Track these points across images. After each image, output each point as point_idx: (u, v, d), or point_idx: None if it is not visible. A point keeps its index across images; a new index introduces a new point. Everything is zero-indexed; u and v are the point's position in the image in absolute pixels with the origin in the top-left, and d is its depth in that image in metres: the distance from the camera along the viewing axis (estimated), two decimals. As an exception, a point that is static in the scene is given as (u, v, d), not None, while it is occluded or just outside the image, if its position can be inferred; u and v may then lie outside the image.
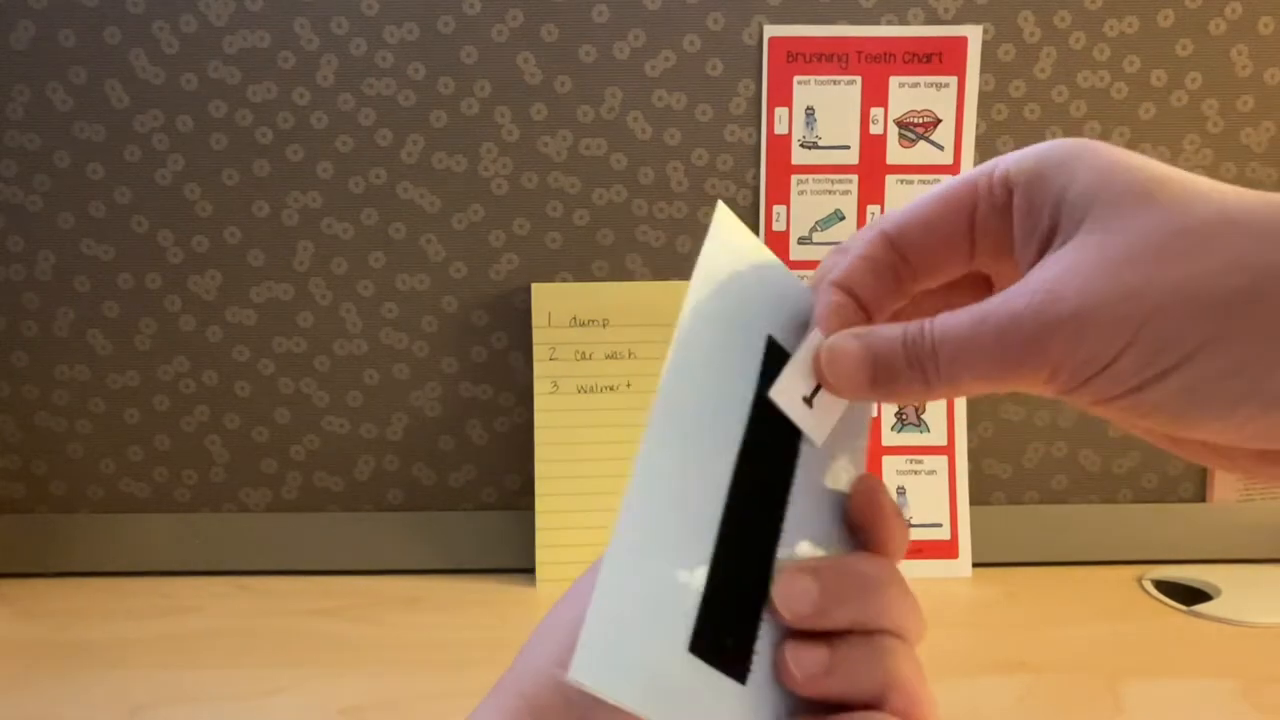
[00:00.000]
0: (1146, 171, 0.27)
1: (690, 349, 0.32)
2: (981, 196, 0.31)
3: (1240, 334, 0.25)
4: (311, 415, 0.77)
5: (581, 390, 0.74)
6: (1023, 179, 0.29)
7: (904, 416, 0.76)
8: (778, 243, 0.75)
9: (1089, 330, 0.26)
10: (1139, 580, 0.74)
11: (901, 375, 0.29)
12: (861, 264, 0.32)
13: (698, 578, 0.28)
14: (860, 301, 0.32)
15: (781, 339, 0.33)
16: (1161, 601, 0.71)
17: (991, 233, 0.31)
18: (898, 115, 0.74)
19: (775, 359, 0.32)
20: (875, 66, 0.73)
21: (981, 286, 0.33)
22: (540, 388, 0.74)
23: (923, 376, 0.29)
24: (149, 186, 0.73)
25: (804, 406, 0.31)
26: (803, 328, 0.33)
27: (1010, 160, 0.30)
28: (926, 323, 0.29)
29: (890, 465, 0.76)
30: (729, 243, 0.34)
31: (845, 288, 0.32)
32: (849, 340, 0.30)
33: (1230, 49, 0.72)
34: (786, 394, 0.31)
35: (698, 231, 0.75)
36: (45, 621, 0.70)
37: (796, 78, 0.73)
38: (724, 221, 0.33)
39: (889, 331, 0.29)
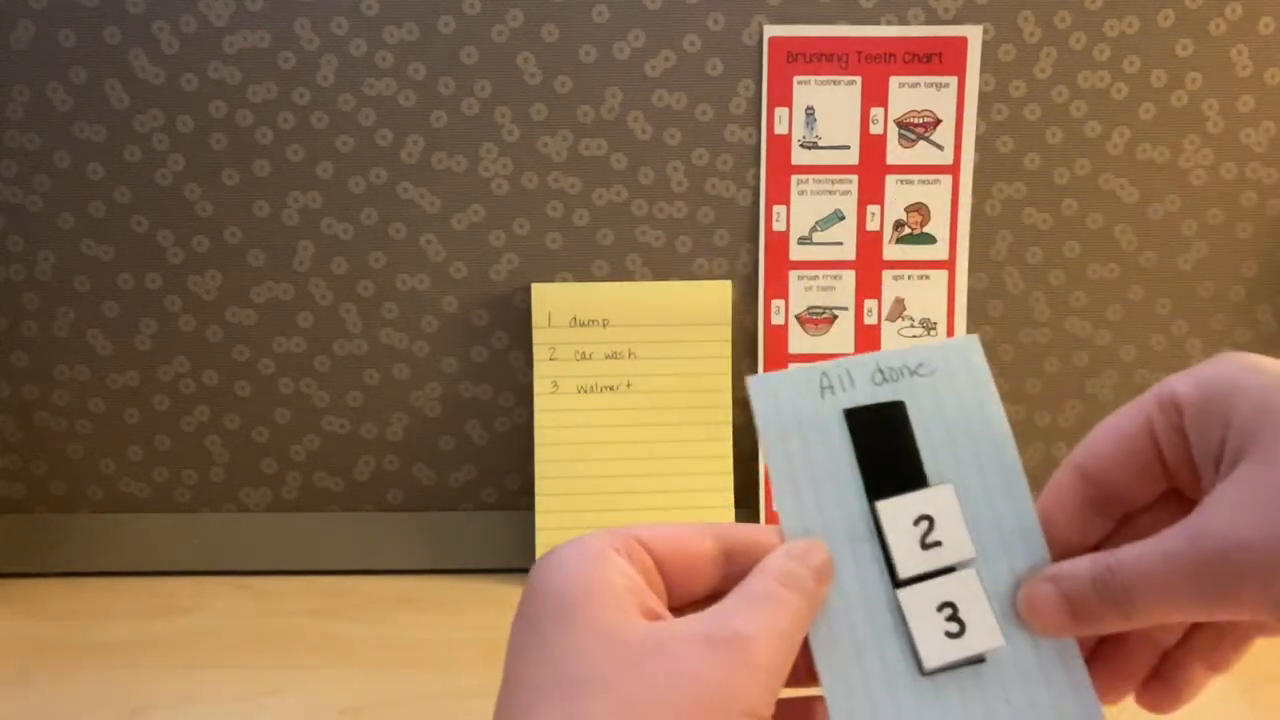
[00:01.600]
0: None
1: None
2: (1156, 419, 0.32)
3: None
4: (311, 415, 0.77)
5: (581, 390, 0.74)
6: (1189, 402, 0.31)
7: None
8: (778, 243, 0.75)
9: (1276, 571, 0.27)
10: (1139, 580, 0.74)
11: (1098, 614, 0.30)
12: (1055, 505, 0.34)
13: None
14: (1061, 534, 0.34)
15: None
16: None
17: (1176, 451, 0.32)
18: (898, 115, 0.74)
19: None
20: (875, 66, 0.73)
21: (1174, 501, 0.34)
22: (540, 388, 0.74)
23: (1120, 613, 0.30)
24: (149, 186, 0.73)
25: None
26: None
27: (1177, 381, 0.32)
28: (1113, 559, 0.30)
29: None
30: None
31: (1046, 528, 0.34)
32: (1043, 586, 0.31)
33: (1230, 49, 0.72)
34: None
35: (698, 231, 0.75)
36: (45, 621, 0.70)
37: (796, 78, 0.73)
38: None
39: (1078, 570, 0.31)
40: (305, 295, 0.75)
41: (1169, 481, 0.33)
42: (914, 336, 0.76)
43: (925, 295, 0.76)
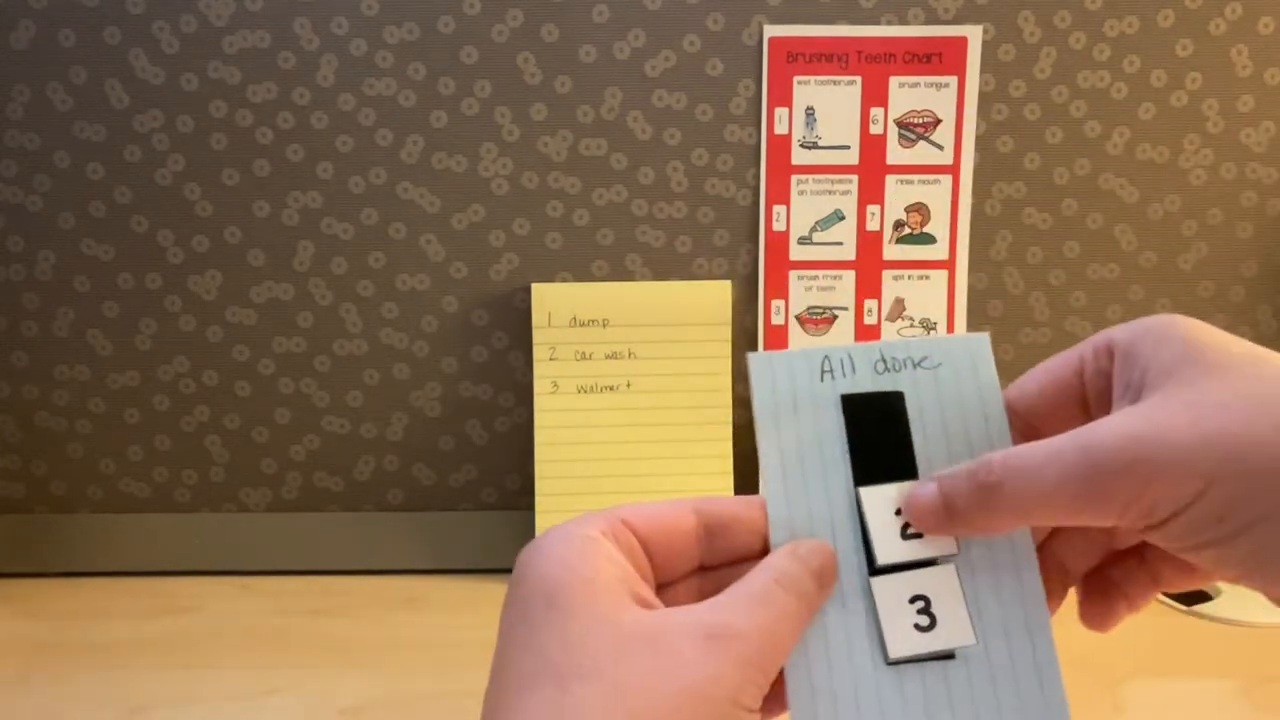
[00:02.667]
0: (1235, 344, 0.30)
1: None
2: (1087, 360, 0.33)
3: None
4: (311, 415, 0.77)
5: (581, 390, 0.74)
6: (1122, 344, 0.32)
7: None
8: (778, 243, 0.75)
9: (1160, 474, 0.27)
10: (1139, 580, 0.74)
11: (971, 511, 0.31)
12: None
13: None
14: None
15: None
16: (1161, 601, 0.71)
17: (1099, 393, 0.33)
18: (898, 115, 0.74)
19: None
20: (875, 66, 0.73)
21: None
22: (540, 388, 0.74)
23: (994, 510, 0.30)
24: (149, 186, 0.73)
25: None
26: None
27: (1116, 329, 0.32)
28: (998, 456, 0.30)
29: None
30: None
31: None
32: (926, 485, 0.32)
33: (1230, 49, 0.72)
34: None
35: (698, 231, 0.75)
36: (45, 621, 0.70)
37: (796, 78, 0.73)
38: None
39: (958, 469, 0.31)
40: (305, 295, 0.75)
41: (1086, 420, 0.33)
42: (914, 337, 0.76)
43: (925, 295, 0.76)
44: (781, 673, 0.31)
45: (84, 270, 0.74)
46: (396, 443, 0.77)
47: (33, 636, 0.68)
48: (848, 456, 0.33)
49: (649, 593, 0.31)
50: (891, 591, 0.31)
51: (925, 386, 0.34)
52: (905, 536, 0.32)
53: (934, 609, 0.31)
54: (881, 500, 0.32)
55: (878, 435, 0.33)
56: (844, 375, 0.34)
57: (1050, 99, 0.73)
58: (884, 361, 0.34)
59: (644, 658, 0.28)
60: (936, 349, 0.34)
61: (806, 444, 0.33)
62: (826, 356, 0.34)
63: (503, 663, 0.29)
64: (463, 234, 0.75)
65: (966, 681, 0.31)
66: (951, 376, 0.34)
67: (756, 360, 0.34)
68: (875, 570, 0.32)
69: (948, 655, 0.31)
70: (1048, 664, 0.32)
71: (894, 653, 0.31)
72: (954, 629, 0.31)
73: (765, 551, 0.32)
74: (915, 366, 0.34)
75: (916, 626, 0.31)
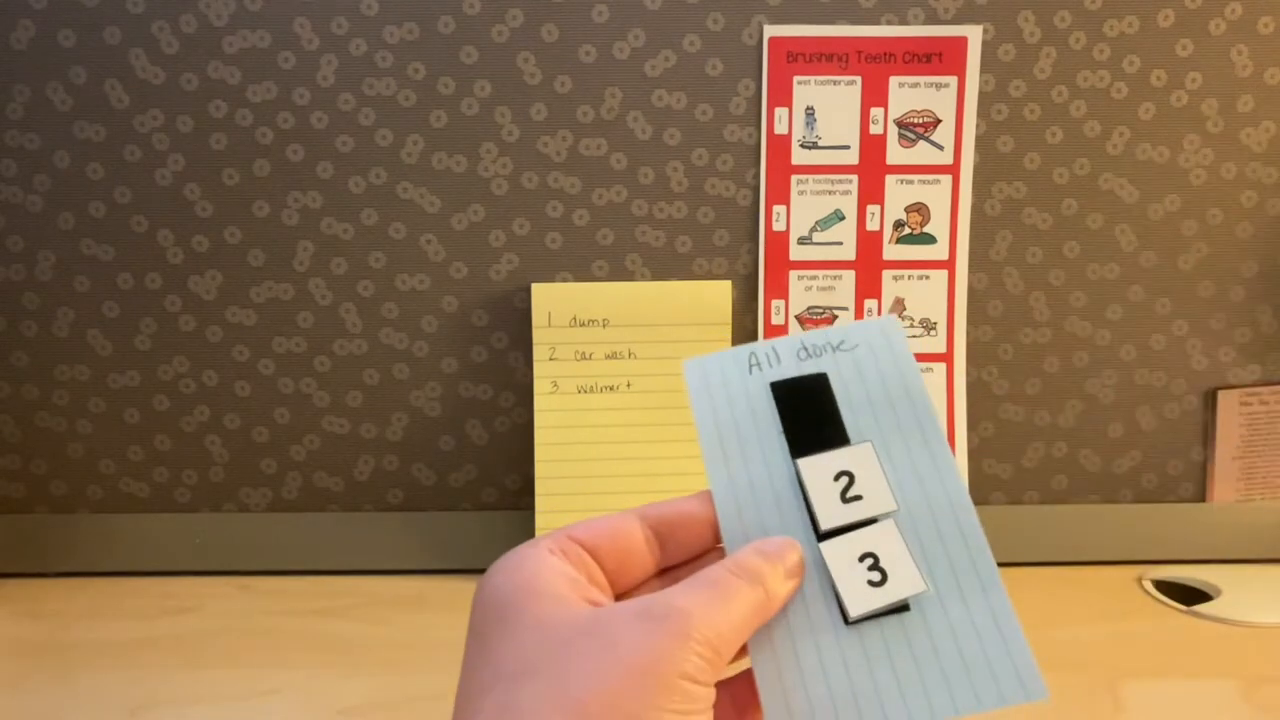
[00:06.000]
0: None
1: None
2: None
3: None
4: (311, 415, 0.77)
5: (581, 390, 0.74)
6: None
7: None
8: (778, 243, 0.75)
9: None
10: (1139, 580, 0.74)
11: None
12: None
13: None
14: None
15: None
16: (1161, 602, 0.71)
17: None
18: (898, 115, 0.74)
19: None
20: (875, 66, 0.73)
21: None
22: (540, 388, 0.74)
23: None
24: (149, 186, 0.73)
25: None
26: None
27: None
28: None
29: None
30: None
31: None
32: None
33: (1230, 49, 0.72)
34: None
35: (698, 231, 0.75)
36: (45, 621, 0.70)
37: (796, 78, 0.73)
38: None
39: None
40: (305, 295, 0.75)
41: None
42: (914, 336, 0.76)
43: (925, 295, 0.76)
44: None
45: (84, 270, 0.74)
46: (396, 443, 0.77)
47: (33, 636, 0.68)
48: (783, 436, 0.35)
49: (602, 596, 0.32)
50: (841, 553, 0.32)
51: (846, 366, 0.36)
52: (845, 500, 0.33)
53: (883, 564, 0.32)
54: (819, 469, 0.34)
55: (808, 412, 0.35)
56: (770, 366, 0.36)
57: (1050, 99, 0.73)
58: (805, 349, 0.36)
59: (584, 647, 0.28)
60: (852, 333, 0.36)
61: (744, 431, 0.35)
62: (752, 352, 0.36)
63: (464, 678, 0.30)
64: (463, 234, 0.75)
65: (926, 634, 0.32)
66: (869, 355, 0.36)
67: (690, 366, 0.37)
68: (821, 536, 0.33)
69: (904, 607, 0.32)
70: (1004, 612, 0.32)
71: (854, 611, 0.31)
72: (905, 580, 0.32)
73: (718, 540, 0.34)
74: (835, 350, 0.36)
75: (870, 583, 0.32)
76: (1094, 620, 0.68)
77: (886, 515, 0.33)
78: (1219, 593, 0.70)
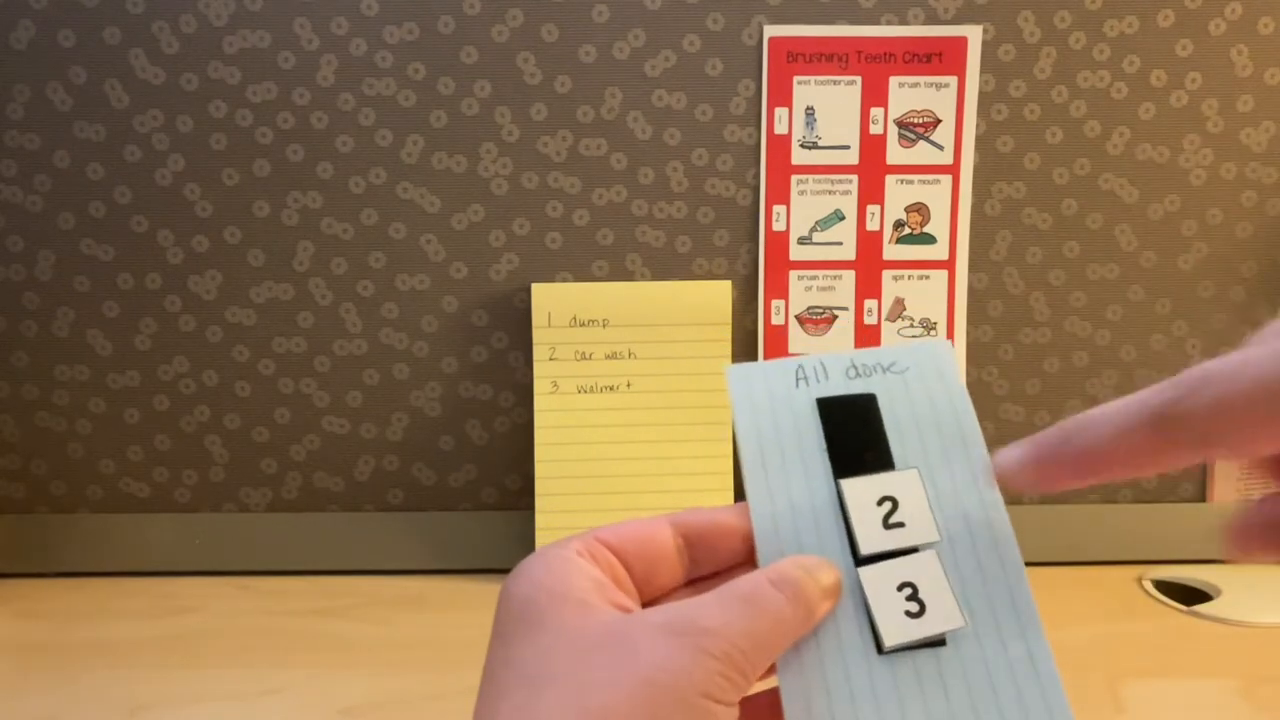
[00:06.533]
0: None
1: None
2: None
3: None
4: (311, 415, 0.77)
5: (581, 390, 0.74)
6: None
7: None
8: (778, 243, 0.75)
9: None
10: (1139, 580, 0.74)
11: (1181, 421, 0.28)
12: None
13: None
14: None
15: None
16: (1161, 601, 0.71)
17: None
18: (898, 115, 0.74)
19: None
20: (875, 66, 0.73)
21: None
22: (540, 388, 0.74)
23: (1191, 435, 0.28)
24: (149, 186, 0.73)
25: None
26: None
27: None
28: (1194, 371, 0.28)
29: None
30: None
31: None
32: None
33: (1230, 49, 0.72)
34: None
35: (698, 231, 0.75)
36: (45, 621, 0.70)
37: (796, 78, 0.73)
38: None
39: (1049, 435, 0.32)
40: (305, 295, 0.75)
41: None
42: (914, 336, 0.76)
43: (925, 295, 0.76)
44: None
45: (84, 270, 0.74)
46: (396, 443, 0.77)
47: (33, 636, 0.68)
48: (826, 454, 0.34)
49: (629, 601, 0.31)
50: (880, 580, 0.32)
51: (896, 389, 0.35)
52: (887, 526, 0.32)
53: (921, 595, 0.31)
54: (862, 492, 0.33)
55: (854, 433, 0.34)
56: (818, 381, 0.35)
57: (1050, 99, 0.73)
58: (855, 368, 0.35)
59: (606, 656, 0.28)
60: (903, 356, 0.36)
61: (786, 445, 0.34)
62: (800, 365, 0.35)
63: (485, 680, 0.30)
64: (463, 234, 0.75)
65: (960, 670, 0.31)
66: (919, 379, 0.35)
67: (734, 372, 0.35)
68: (860, 561, 0.32)
69: (939, 642, 0.31)
70: (1041, 653, 0.32)
71: (889, 641, 0.31)
72: (944, 613, 0.31)
73: (752, 554, 0.33)
74: (885, 372, 0.35)
75: (907, 613, 0.31)
76: (1094, 620, 0.68)
77: (929, 545, 0.32)
78: (1219, 593, 0.70)
